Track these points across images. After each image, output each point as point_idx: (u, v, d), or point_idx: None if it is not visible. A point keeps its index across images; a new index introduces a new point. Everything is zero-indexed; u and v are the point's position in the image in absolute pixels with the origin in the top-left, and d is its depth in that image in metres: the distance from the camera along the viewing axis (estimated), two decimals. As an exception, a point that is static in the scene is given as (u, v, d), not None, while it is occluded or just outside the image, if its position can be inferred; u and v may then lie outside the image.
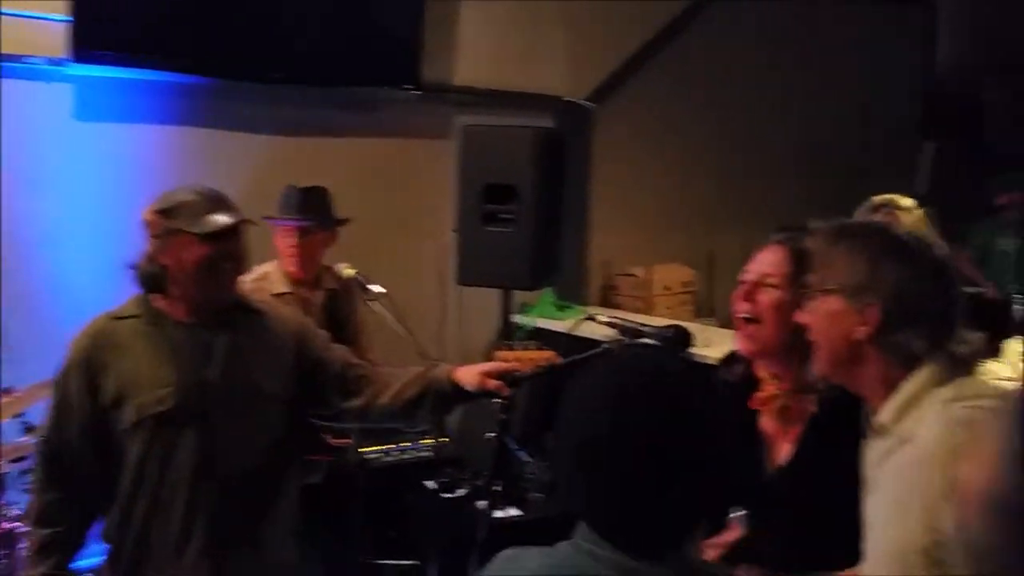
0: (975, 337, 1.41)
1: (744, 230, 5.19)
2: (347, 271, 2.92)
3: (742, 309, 1.77)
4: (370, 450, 3.34)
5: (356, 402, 2.14)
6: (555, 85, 4.67)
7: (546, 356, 2.23)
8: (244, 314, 2.06)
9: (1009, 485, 0.89)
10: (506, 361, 2.20)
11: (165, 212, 1.95)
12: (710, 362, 2.48)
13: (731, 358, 1.98)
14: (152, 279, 1.96)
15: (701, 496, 1.11)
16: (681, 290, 5.08)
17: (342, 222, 3.26)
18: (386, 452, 3.41)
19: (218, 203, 1.98)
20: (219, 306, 2.01)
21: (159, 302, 2.00)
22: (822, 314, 1.44)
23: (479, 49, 4.39)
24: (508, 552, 1.23)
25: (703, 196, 5.37)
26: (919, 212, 2.89)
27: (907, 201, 2.91)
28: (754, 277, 1.75)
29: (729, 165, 5.41)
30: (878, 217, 2.77)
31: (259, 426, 2.02)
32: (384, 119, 4.21)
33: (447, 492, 3.26)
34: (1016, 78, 6.50)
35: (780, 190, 5.49)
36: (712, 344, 3.71)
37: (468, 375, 2.10)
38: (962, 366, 1.37)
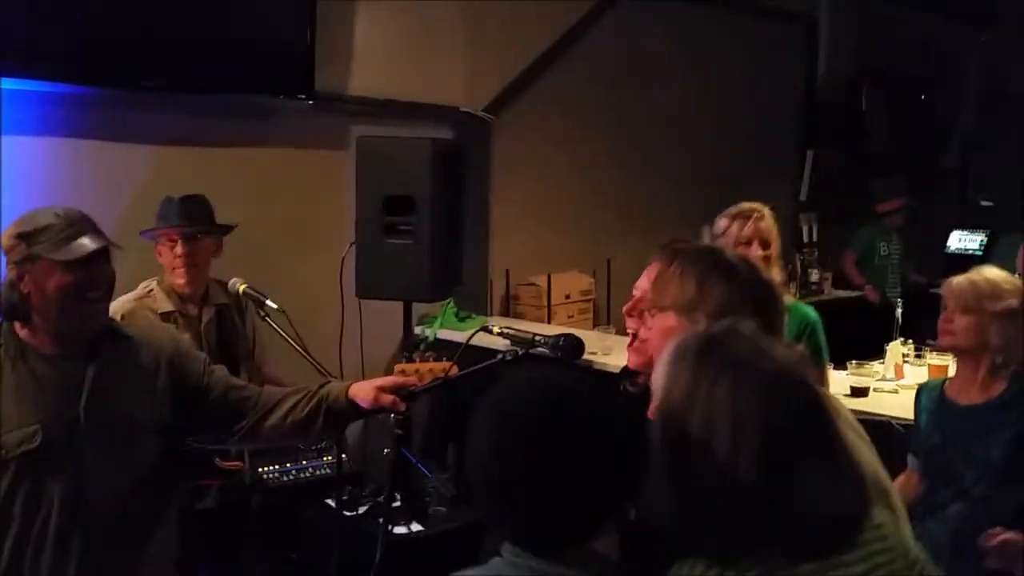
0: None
1: (640, 237, 5.30)
2: (240, 286, 2.83)
3: (628, 325, 1.80)
4: (266, 470, 3.25)
5: (240, 426, 2.07)
6: (453, 95, 4.66)
7: (443, 367, 2.22)
8: (114, 342, 1.95)
9: None
10: (405, 374, 2.19)
11: (24, 237, 1.82)
12: (611, 371, 2.52)
13: (629, 370, 2.01)
14: (13, 308, 1.83)
15: (597, 496, 1.18)
16: (580, 298, 5.14)
17: (228, 229, 3.17)
18: (283, 471, 3.33)
19: (82, 226, 1.85)
20: (86, 336, 1.90)
21: (22, 332, 1.87)
22: (659, 330, 1.54)
23: (374, 58, 4.34)
24: None
25: (600, 204, 5.45)
26: (777, 223, 3.02)
27: (768, 210, 3.02)
28: (639, 293, 1.78)
29: (625, 173, 5.52)
30: (744, 224, 2.87)
31: (133, 460, 1.92)
32: (276, 129, 4.11)
33: (348, 510, 3.21)
34: (891, 88, 6.87)
35: (674, 197, 5.64)
36: (613, 352, 3.78)
37: (362, 391, 2.07)
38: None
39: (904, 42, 7.01)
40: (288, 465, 3.35)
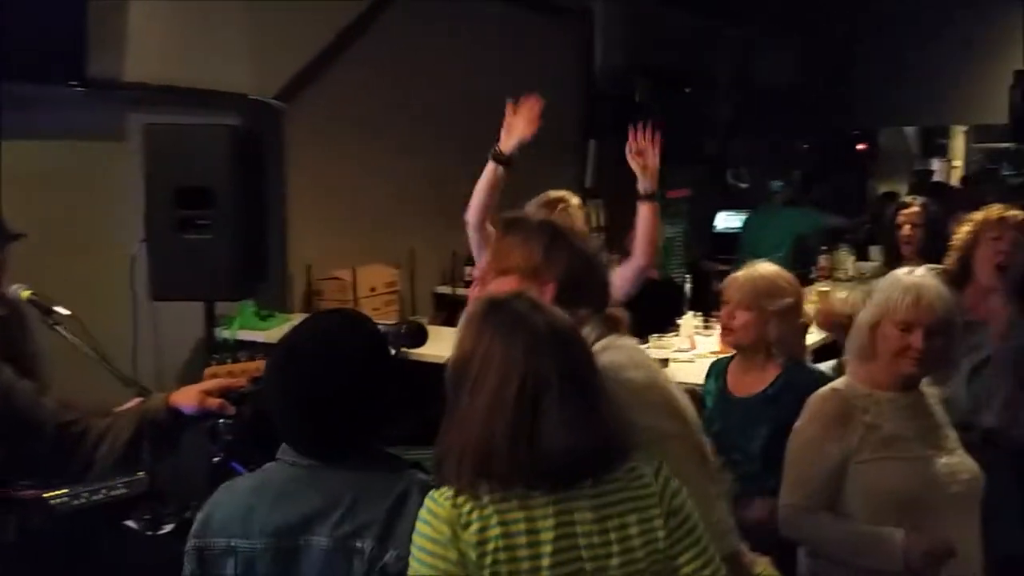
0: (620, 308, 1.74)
1: (442, 227, 5.31)
2: (23, 292, 2.52)
3: (472, 294, 1.82)
4: (54, 495, 2.93)
5: (76, 465, 1.89)
6: (239, 82, 4.41)
7: (259, 366, 2.09)
8: None
9: None
10: (217, 377, 2.05)
11: None
12: (435, 362, 2.50)
13: None
14: None
15: (359, 415, 1.48)
16: (385, 291, 5.07)
17: (16, 237, 2.82)
18: (73, 495, 3.01)
19: None
20: None
21: None
22: (498, 293, 1.61)
23: (152, 43, 4.02)
24: (225, 483, 1.58)
25: (401, 194, 5.40)
26: (582, 211, 3.25)
27: (576, 199, 3.22)
28: (484, 263, 1.80)
29: (424, 163, 5.50)
30: (552, 212, 2.99)
31: None
32: (46, 119, 3.69)
33: (152, 530, 2.97)
34: (661, 81, 7.33)
35: (472, 187, 5.66)
36: (434, 342, 3.75)
37: (186, 397, 1.94)
38: (613, 325, 1.64)
39: (671, 37, 7.51)
40: (78, 488, 3.03)
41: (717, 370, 2.73)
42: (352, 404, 1.47)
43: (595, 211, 6.99)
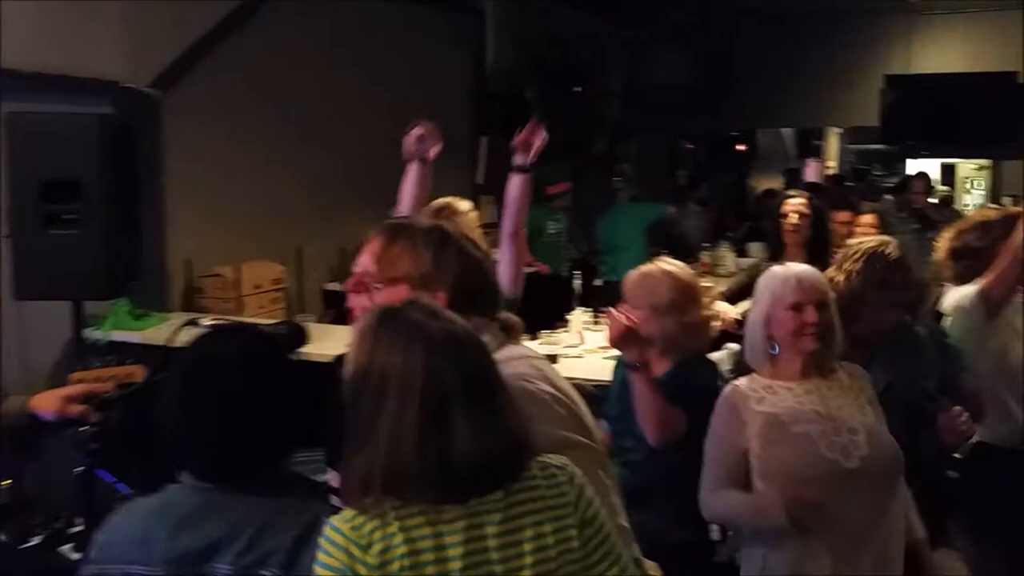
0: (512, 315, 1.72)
1: (332, 223, 5.22)
2: None
3: (351, 302, 1.76)
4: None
5: None
6: (112, 70, 4.21)
7: (129, 371, 1.99)
8: None
9: None
10: (85, 382, 1.94)
11: None
12: (324, 361, 2.44)
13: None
14: None
15: (255, 433, 1.43)
16: (272, 288, 4.93)
17: None
18: (-76, 509, 2.81)
19: None
20: None
21: None
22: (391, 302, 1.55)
23: (17, 27, 3.78)
24: (125, 505, 1.51)
25: (287, 189, 5.26)
26: (474, 214, 3.17)
27: (464, 204, 3.15)
28: (360, 269, 1.72)
29: (311, 158, 5.38)
30: (439, 218, 2.95)
31: None
32: None
33: (19, 542, 2.80)
34: (551, 79, 7.41)
35: (360, 183, 5.59)
36: (314, 340, 3.66)
37: (46, 402, 1.83)
38: (509, 332, 1.62)
39: (562, 36, 7.59)
40: (-68, 501, 2.83)
41: (622, 364, 2.78)
42: (244, 422, 1.43)
43: (487, 208, 7.02)
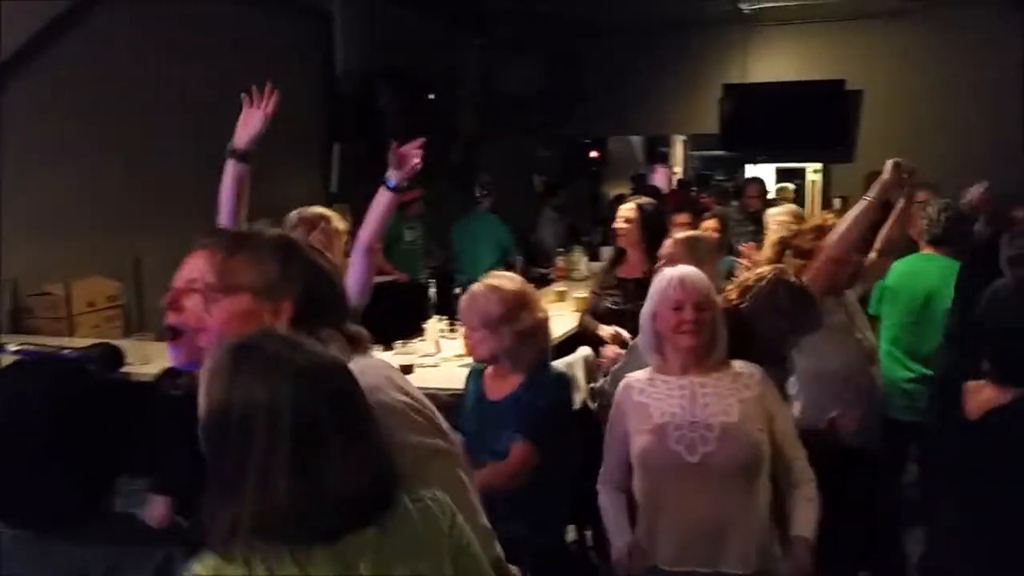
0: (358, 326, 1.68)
1: (172, 233, 4.94)
2: None
3: (169, 319, 1.67)
4: None
5: None
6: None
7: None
8: None
9: None
10: None
11: None
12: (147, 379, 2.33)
13: (171, 371, 1.88)
14: None
15: (73, 478, 1.36)
16: (107, 306, 4.64)
17: None
18: None
19: None
20: None
21: None
22: (231, 313, 1.51)
23: None
24: None
25: (122, 200, 4.97)
26: (343, 227, 3.12)
27: (341, 224, 3.11)
28: (180, 284, 1.66)
29: (148, 166, 5.10)
30: (311, 230, 2.88)
31: None
32: None
33: None
34: (404, 86, 7.35)
35: (203, 191, 5.34)
36: (153, 361, 3.47)
37: None
38: (356, 344, 1.58)
39: (414, 43, 7.55)
40: None
41: (476, 372, 2.78)
42: (56, 463, 1.34)
43: (341, 215, 6.88)
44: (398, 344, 4.11)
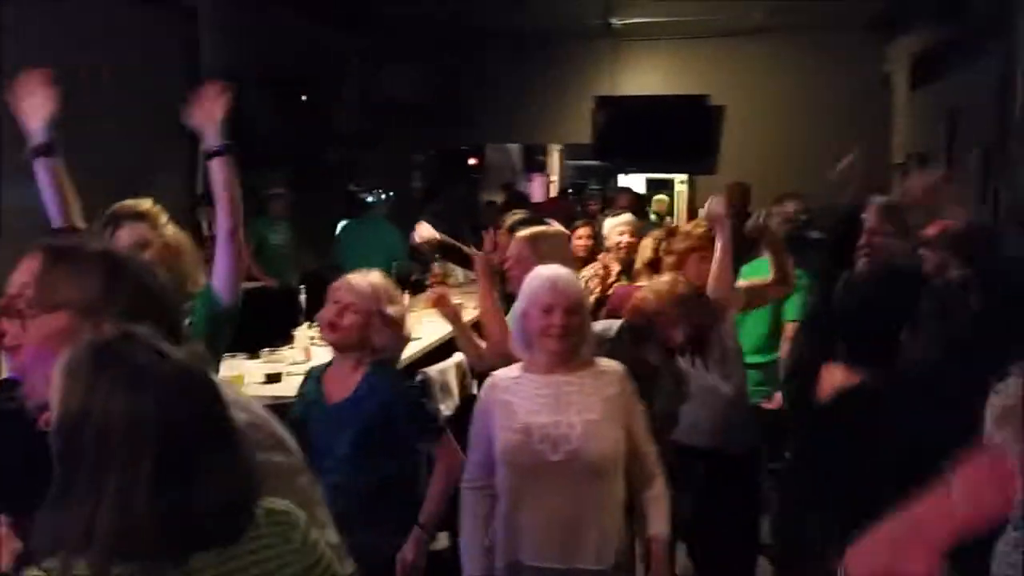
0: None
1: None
2: None
3: (2, 327, 1.56)
4: None
5: None
6: None
7: None
8: None
9: None
10: None
11: None
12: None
13: (6, 383, 1.76)
14: None
15: None
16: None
17: None
18: None
19: None
20: None
21: None
22: (44, 333, 1.39)
23: None
24: None
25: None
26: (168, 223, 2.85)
27: (169, 229, 2.83)
28: (15, 290, 1.52)
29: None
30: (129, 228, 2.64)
31: None
32: None
33: None
34: (275, 86, 7.16)
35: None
36: (-7, 370, 3.23)
37: None
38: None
39: (287, 43, 7.37)
40: None
41: (315, 375, 2.72)
42: None
43: (205, 218, 6.64)
44: (265, 352, 3.99)
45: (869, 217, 2.94)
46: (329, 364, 2.72)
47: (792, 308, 3.92)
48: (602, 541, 2.26)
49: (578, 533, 2.24)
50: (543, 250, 3.05)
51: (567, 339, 2.32)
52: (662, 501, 2.36)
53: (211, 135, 2.36)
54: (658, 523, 2.33)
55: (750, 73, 8.78)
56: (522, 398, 2.32)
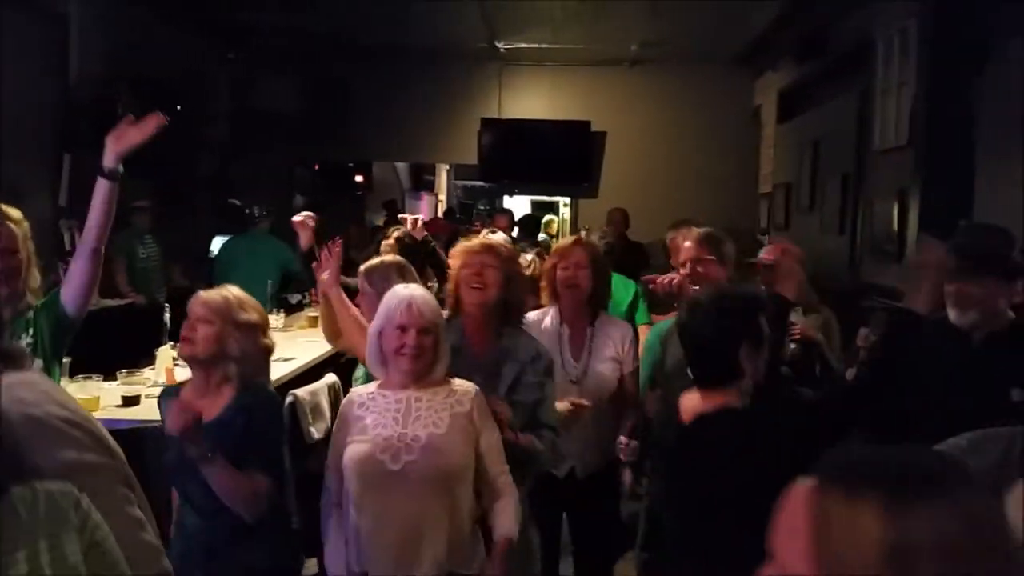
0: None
1: None
2: None
3: None
4: None
5: None
6: None
7: None
8: None
9: None
10: None
11: None
12: None
13: None
14: None
15: None
16: None
17: None
18: None
19: None
20: None
21: None
22: None
23: None
24: None
25: None
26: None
27: (15, 211, 2.72)
28: None
29: None
30: None
31: None
32: None
33: None
34: (151, 95, 6.90)
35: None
36: None
37: None
38: (12, 360, 1.51)
39: (160, 51, 7.13)
40: None
41: (168, 394, 2.59)
42: None
43: (69, 232, 6.33)
44: (122, 373, 3.79)
45: (690, 246, 3.10)
46: (182, 384, 2.60)
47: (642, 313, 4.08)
48: (438, 550, 2.28)
49: (416, 544, 2.27)
50: (405, 272, 3.09)
51: (420, 359, 2.36)
52: (507, 511, 2.39)
53: (117, 156, 2.44)
54: (501, 527, 2.38)
55: (629, 101, 9.05)
56: (374, 413, 2.36)
